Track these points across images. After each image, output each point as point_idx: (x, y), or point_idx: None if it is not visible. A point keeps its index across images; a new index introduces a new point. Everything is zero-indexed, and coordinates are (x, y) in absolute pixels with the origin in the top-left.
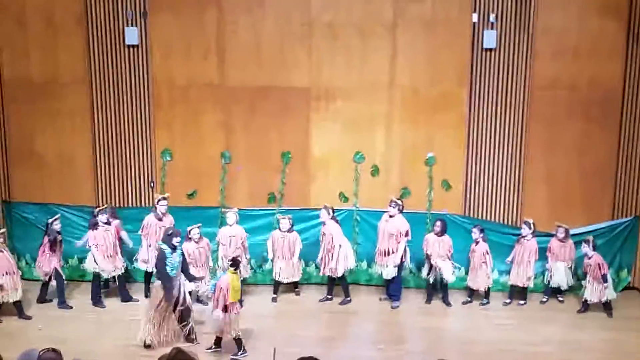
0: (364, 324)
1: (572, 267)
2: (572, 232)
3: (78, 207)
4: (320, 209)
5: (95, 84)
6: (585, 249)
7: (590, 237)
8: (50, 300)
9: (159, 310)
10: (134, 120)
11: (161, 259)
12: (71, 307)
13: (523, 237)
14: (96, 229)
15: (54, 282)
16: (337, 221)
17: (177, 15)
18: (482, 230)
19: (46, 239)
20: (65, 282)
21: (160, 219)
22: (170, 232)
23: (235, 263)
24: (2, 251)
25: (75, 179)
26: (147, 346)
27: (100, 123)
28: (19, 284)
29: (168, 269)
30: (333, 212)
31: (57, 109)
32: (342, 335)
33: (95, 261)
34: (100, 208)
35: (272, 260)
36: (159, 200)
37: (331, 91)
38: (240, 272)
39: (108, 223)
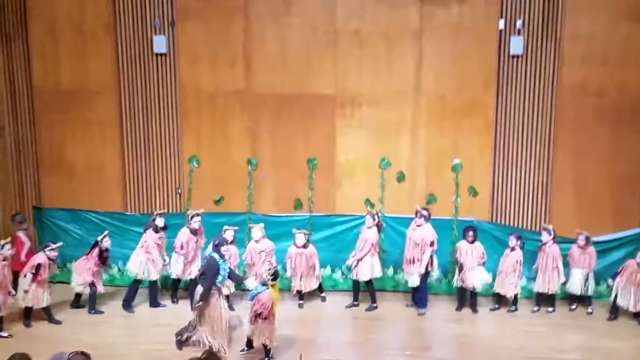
0: (390, 331)
1: (591, 275)
2: (602, 239)
3: (107, 213)
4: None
5: (124, 92)
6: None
7: None
8: (84, 306)
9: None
10: (162, 128)
11: (213, 269)
12: (102, 312)
13: (544, 244)
14: (155, 232)
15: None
16: (380, 226)
17: (204, 24)
18: (519, 238)
19: (95, 252)
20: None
21: (194, 234)
22: (217, 242)
23: (276, 276)
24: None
25: (104, 185)
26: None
27: (129, 130)
28: (47, 291)
29: (220, 277)
30: (378, 217)
31: (87, 117)
32: (368, 341)
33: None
34: (159, 212)
35: (291, 277)
36: (192, 217)
37: (357, 98)
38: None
39: (165, 228)
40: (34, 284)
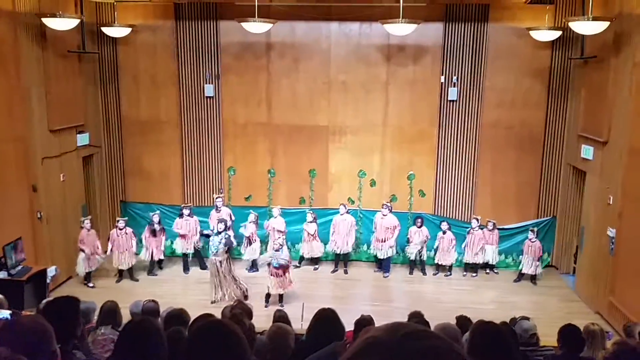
0: (363, 288)
1: (497, 249)
2: (509, 227)
3: (171, 205)
4: (337, 207)
5: (184, 122)
6: (532, 235)
7: (536, 228)
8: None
9: (220, 276)
10: (210, 147)
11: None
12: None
13: (472, 228)
14: (181, 217)
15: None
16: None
17: (240, 77)
18: (449, 225)
19: (147, 228)
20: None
21: (218, 211)
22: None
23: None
24: (126, 233)
25: (169, 186)
26: (213, 302)
27: (187, 149)
28: (133, 258)
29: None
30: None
31: (158, 139)
32: (348, 295)
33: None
34: (185, 205)
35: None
36: (216, 198)
37: (343, 128)
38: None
39: (190, 215)
40: (127, 252)
